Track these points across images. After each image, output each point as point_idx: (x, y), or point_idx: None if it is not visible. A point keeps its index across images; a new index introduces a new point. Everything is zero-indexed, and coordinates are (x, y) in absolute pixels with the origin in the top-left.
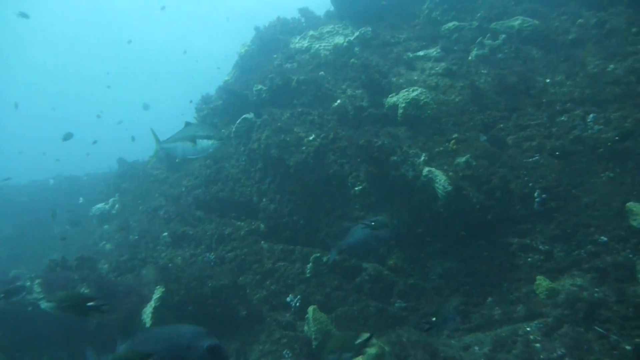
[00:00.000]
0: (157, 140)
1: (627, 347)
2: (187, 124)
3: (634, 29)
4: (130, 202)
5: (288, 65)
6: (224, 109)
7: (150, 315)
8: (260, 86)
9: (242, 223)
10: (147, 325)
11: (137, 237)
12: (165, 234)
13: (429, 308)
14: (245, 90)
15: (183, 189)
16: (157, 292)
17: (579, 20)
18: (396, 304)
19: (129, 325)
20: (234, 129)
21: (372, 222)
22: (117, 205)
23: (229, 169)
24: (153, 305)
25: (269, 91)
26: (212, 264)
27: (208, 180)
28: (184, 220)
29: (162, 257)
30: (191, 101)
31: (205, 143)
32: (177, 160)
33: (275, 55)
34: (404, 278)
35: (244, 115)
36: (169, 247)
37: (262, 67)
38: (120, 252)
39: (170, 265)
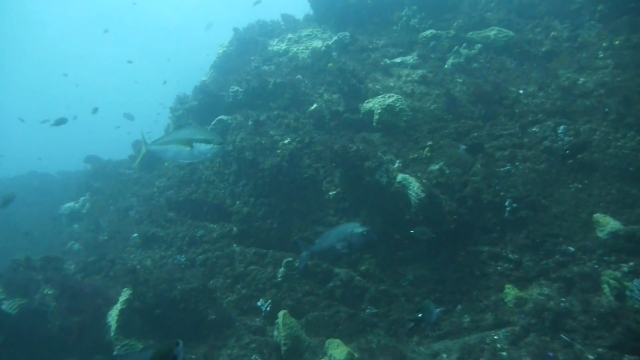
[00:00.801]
0: (145, 142)
1: (590, 357)
2: (180, 125)
3: (604, 44)
4: (101, 202)
5: (265, 67)
6: (200, 110)
7: (115, 318)
8: (236, 88)
9: (215, 225)
10: (112, 329)
11: (106, 237)
12: (135, 235)
13: (400, 314)
14: (221, 91)
15: (155, 190)
16: (124, 295)
17: (553, 33)
18: (367, 310)
19: (93, 329)
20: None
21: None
22: (87, 204)
23: (203, 170)
24: (119, 307)
25: (245, 93)
26: (182, 266)
27: (181, 181)
28: (155, 221)
29: (131, 258)
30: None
31: (203, 147)
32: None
33: (253, 57)
34: (375, 284)
35: (219, 117)
36: (139, 248)
37: (240, 68)
38: (88, 252)
39: (138, 267)
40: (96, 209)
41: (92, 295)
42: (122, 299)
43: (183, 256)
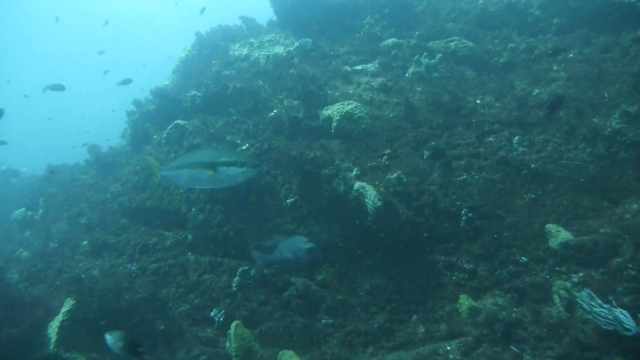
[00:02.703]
0: (157, 167)
1: None
2: (195, 146)
3: (559, 56)
4: (55, 208)
5: (226, 72)
6: (157, 114)
7: (56, 330)
8: (194, 92)
9: (169, 233)
10: (52, 341)
11: (57, 245)
12: (85, 242)
13: (356, 325)
14: (179, 95)
15: (108, 196)
16: (66, 305)
17: (510, 45)
18: (323, 320)
19: (32, 341)
20: (165, 135)
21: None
22: (41, 211)
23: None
24: (60, 319)
25: (203, 97)
26: (133, 275)
27: (136, 187)
28: (107, 228)
29: (79, 267)
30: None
31: (232, 171)
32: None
33: (214, 62)
34: (332, 294)
35: (175, 121)
36: (88, 256)
37: (201, 72)
38: (35, 260)
39: (83, 276)
40: (49, 216)
41: (32, 305)
42: (64, 309)
43: (134, 265)
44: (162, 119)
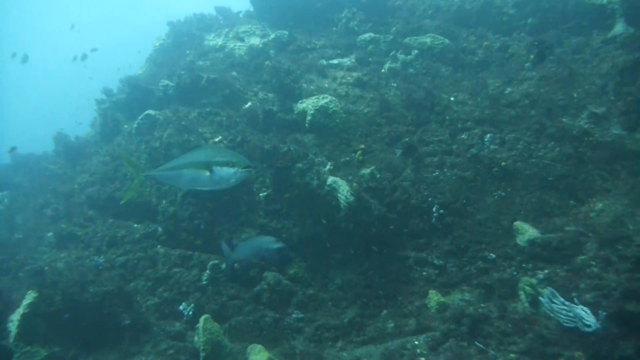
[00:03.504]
0: (137, 168)
1: None
2: (196, 146)
3: (531, 56)
4: (20, 198)
5: (200, 62)
6: (128, 104)
7: (16, 323)
8: (166, 82)
9: (139, 225)
10: (12, 335)
11: (21, 236)
12: (51, 234)
13: (326, 319)
14: (151, 85)
15: (76, 186)
16: (28, 298)
17: (485, 43)
18: (293, 315)
19: None
20: (135, 125)
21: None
22: (6, 200)
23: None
24: (21, 312)
25: (176, 88)
26: (100, 268)
27: (105, 177)
28: (74, 220)
29: (43, 259)
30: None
31: (225, 172)
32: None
33: (188, 52)
34: (303, 288)
35: (147, 111)
36: (53, 248)
37: (175, 62)
38: None
39: (46, 268)
40: (14, 206)
41: None
42: (25, 302)
43: (101, 257)
44: (133, 109)
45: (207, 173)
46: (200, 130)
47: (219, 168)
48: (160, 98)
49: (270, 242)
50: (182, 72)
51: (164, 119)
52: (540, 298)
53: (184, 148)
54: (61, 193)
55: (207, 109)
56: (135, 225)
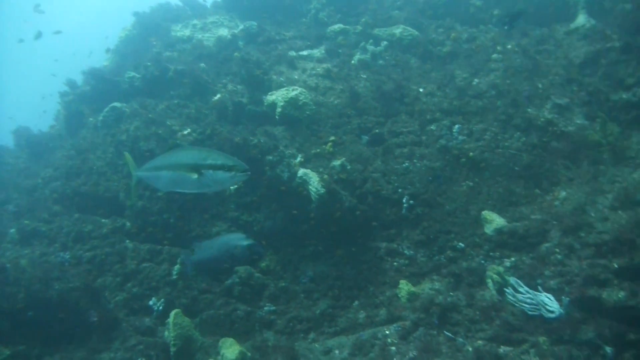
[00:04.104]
0: (133, 166)
1: (469, 349)
2: (177, 145)
3: (498, 47)
4: None
5: (167, 53)
6: (93, 96)
7: None
8: (132, 74)
9: (106, 220)
10: None
11: None
12: (13, 230)
13: (298, 312)
14: (117, 76)
15: (40, 181)
16: None
17: (453, 34)
18: (265, 308)
19: None
20: (101, 118)
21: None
22: None
23: (94, 160)
24: None
25: (143, 80)
26: (66, 264)
27: (70, 172)
28: (37, 215)
29: (6, 256)
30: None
31: (220, 176)
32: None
33: (154, 42)
34: (275, 281)
35: (112, 104)
36: (16, 245)
37: (142, 53)
38: None
39: (8, 265)
40: None
41: None
42: None
43: (67, 253)
44: (98, 101)
45: (195, 176)
46: (168, 122)
47: (211, 172)
48: (126, 90)
49: (239, 239)
50: (149, 64)
51: (130, 111)
52: (505, 289)
53: (151, 141)
54: (24, 188)
55: (175, 101)
56: (103, 220)
